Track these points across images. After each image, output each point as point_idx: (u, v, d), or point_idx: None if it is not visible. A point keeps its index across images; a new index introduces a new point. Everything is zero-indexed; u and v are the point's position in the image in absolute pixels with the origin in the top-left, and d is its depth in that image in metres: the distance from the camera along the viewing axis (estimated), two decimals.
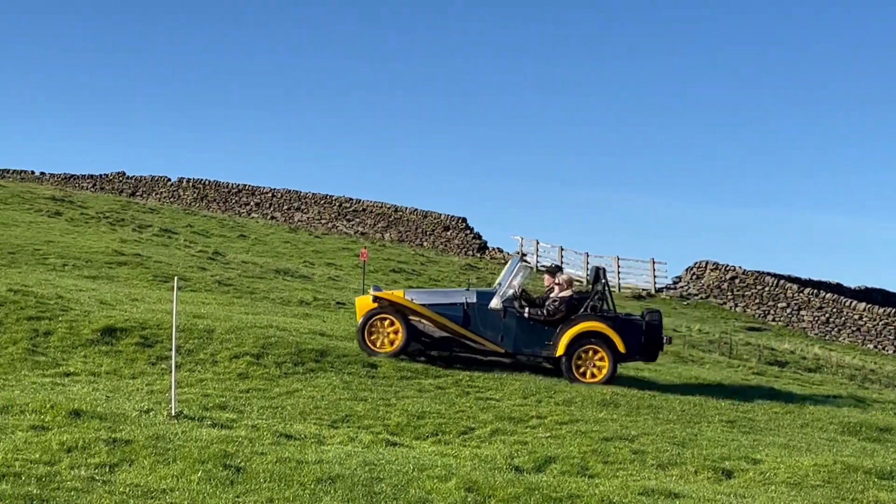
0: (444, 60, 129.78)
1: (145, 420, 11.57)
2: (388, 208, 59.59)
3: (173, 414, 12.07)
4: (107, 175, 63.94)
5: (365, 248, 27.95)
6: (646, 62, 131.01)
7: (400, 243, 57.01)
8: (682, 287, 51.29)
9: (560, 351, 18.27)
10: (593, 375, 18.18)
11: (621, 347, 18.20)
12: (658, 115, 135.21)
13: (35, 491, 8.43)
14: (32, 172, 65.07)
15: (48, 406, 11.03)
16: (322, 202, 60.38)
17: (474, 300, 18.84)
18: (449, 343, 18.93)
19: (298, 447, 11.10)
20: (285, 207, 60.85)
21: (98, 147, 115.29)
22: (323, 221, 59.52)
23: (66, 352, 16.17)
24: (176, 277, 15.98)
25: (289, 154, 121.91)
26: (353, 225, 59.25)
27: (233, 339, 17.43)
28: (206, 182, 62.38)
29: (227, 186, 62.07)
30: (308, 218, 59.80)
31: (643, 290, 49.64)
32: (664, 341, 18.93)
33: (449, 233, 57.91)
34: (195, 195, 61.87)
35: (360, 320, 18.59)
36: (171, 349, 16.10)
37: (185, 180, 62.86)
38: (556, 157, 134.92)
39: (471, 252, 56.55)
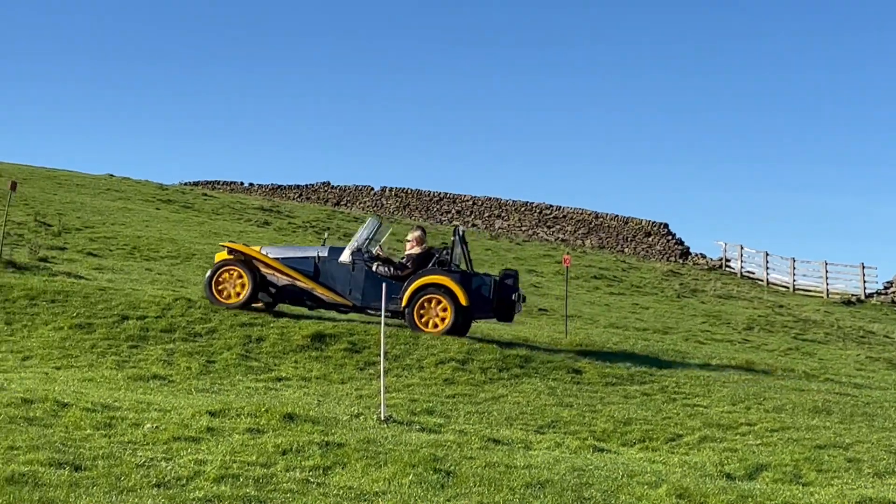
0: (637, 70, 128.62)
1: (356, 424, 11.76)
2: (589, 214, 59.31)
3: (383, 418, 12.24)
4: (312, 185, 65.46)
5: (567, 254, 27.80)
6: (868, 68, 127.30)
7: (601, 249, 56.68)
8: (893, 292, 49.50)
9: (404, 303, 18.68)
10: (436, 325, 18.58)
11: (463, 300, 18.50)
12: (866, 116, 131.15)
13: (252, 492, 8.65)
14: (242, 184, 67.12)
15: (263, 410, 11.31)
16: (522, 209, 60.52)
17: (325, 255, 19.41)
18: (298, 295, 19.31)
19: (506, 452, 11.12)
20: (486, 215, 61.20)
21: (303, 158, 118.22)
22: (523, 228, 59.63)
23: (277, 357, 16.57)
24: (384, 284, 16.23)
25: (488, 162, 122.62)
26: (553, 231, 59.18)
27: (438, 346, 17.59)
28: (408, 191, 63.24)
29: (429, 195, 62.79)
30: (508, 225, 60.00)
31: (853, 295, 48.06)
32: (516, 300, 19.02)
33: (650, 238, 57.29)
34: (397, 204, 62.78)
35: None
36: (378, 355, 16.37)
37: (387, 189, 63.86)
38: (761, 162, 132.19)
39: (673, 258, 55.81)
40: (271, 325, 17.76)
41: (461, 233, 19.64)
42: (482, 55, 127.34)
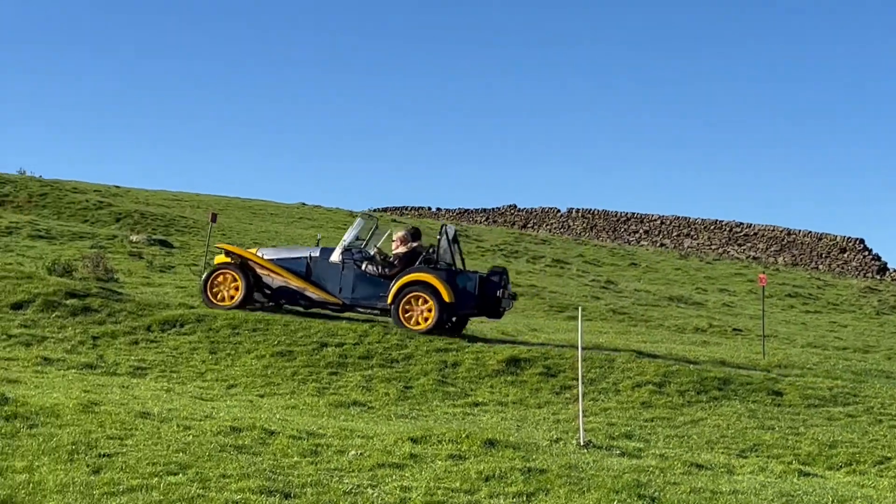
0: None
1: (556, 449, 11.74)
2: (781, 231, 58.06)
3: (582, 443, 12.19)
4: (499, 208, 65.77)
5: (762, 272, 27.29)
6: None
7: (794, 267, 55.41)
8: None
9: (389, 300, 19.07)
10: (418, 323, 18.92)
11: (446, 296, 18.77)
12: None
13: None
14: (429, 208, 67.86)
15: (464, 436, 11.38)
16: (711, 228, 59.62)
17: (317, 255, 19.92)
18: (292, 295, 19.85)
19: (710, 477, 10.94)
20: (674, 234, 60.49)
21: (490, 181, 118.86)
22: (713, 247, 58.71)
23: (473, 382, 16.67)
24: (580, 308, 16.20)
25: (675, 180, 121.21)
26: (744, 250, 58.10)
27: (634, 368, 17.44)
28: (595, 212, 62.96)
29: (616, 215, 62.40)
30: (698, 244, 59.16)
31: None
32: (502, 297, 19.20)
33: (846, 255, 55.75)
34: (584, 225, 62.56)
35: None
36: (573, 378, 16.32)
37: (574, 210, 63.71)
38: None
39: (869, 274, 54.16)
40: (466, 350, 17.88)
41: (448, 231, 19.69)
42: (684, 68, 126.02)
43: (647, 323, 29.05)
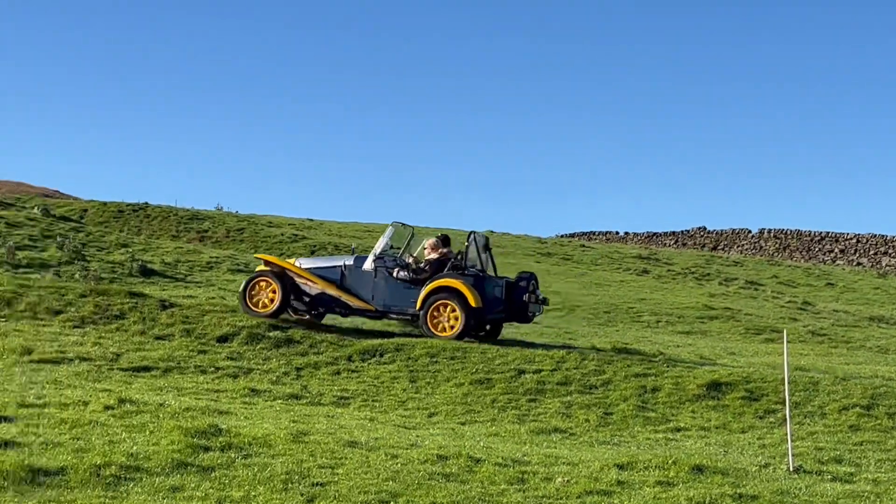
0: None
1: (766, 475, 11.51)
2: None
3: (792, 468, 11.92)
4: (688, 231, 64.99)
5: None
6: None
7: None
8: None
9: (418, 306, 19.48)
10: (444, 329, 19.35)
11: (472, 301, 19.11)
12: None
13: None
14: (617, 233, 67.47)
15: (671, 462, 11.26)
16: None
17: (351, 263, 20.39)
18: (329, 303, 20.34)
19: None
20: (871, 252, 58.77)
21: (678, 204, 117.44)
22: None
23: (673, 407, 16.47)
24: (785, 330, 15.86)
25: (869, 199, 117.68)
26: None
27: (839, 391, 16.97)
28: (788, 232, 61.65)
29: (809, 235, 60.97)
30: None
31: None
32: (530, 301, 19.58)
33: None
34: (777, 245, 61.31)
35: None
36: (777, 402, 15.98)
37: (766, 231, 62.51)
38: None
39: None
40: (665, 374, 17.69)
41: (477, 239, 20.08)
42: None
43: (847, 344, 28.28)
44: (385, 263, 20.05)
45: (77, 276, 26.29)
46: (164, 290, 26.45)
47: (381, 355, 18.44)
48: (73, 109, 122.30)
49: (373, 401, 16.20)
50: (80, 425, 10.92)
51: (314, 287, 20.30)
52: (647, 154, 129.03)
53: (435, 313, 19.43)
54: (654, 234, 65.93)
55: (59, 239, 32.31)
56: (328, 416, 14.37)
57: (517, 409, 16.00)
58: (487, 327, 20.27)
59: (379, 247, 20.35)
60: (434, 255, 20.01)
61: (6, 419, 10.87)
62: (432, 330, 19.40)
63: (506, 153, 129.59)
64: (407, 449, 11.58)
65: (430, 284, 19.44)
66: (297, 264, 20.71)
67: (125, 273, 29.12)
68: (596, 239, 65.69)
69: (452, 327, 19.32)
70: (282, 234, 43.68)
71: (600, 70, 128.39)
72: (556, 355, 18.43)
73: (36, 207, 40.22)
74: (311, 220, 53.88)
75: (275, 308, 19.97)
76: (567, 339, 23.47)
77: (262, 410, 14.22)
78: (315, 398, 16.06)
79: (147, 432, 10.96)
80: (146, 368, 16.72)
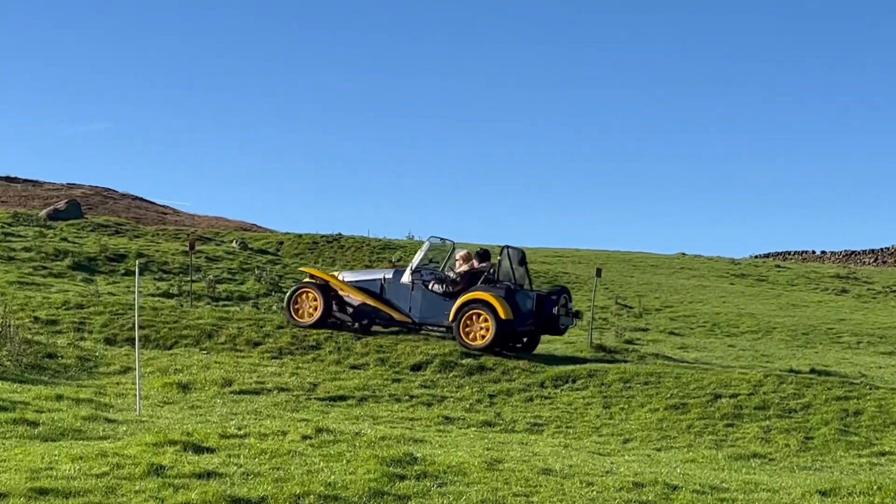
0: None
1: None
2: None
3: None
4: (888, 248, 62.89)
5: None
6: None
7: None
8: None
9: (451, 317, 19.93)
10: (475, 339, 19.72)
11: (503, 313, 19.47)
12: None
13: None
14: (813, 252, 65.78)
15: (875, 487, 10.87)
16: None
17: (390, 276, 21.06)
18: (370, 314, 21.04)
19: None
20: None
21: (878, 220, 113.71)
22: None
23: (877, 430, 15.93)
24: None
25: None
26: None
27: None
28: None
29: None
30: None
31: None
32: (560, 314, 19.97)
33: None
34: None
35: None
36: None
37: None
38: None
39: None
40: (868, 397, 17.14)
41: (510, 253, 20.52)
42: None
43: None
44: (422, 276, 20.70)
45: (274, 307, 26.95)
46: None
47: (574, 381, 18.36)
48: (268, 147, 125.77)
49: (566, 427, 16.12)
50: (279, 455, 11.14)
51: (355, 299, 21.08)
52: (843, 169, 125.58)
53: (468, 322, 19.90)
54: (853, 252, 64.00)
55: (256, 271, 33.22)
56: (522, 443, 14.35)
57: (714, 435, 15.71)
58: (525, 339, 20.83)
59: (416, 261, 21.04)
60: (465, 267, 20.52)
61: (208, 450, 11.17)
62: (465, 340, 19.85)
63: (697, 174, 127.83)
64: (602, 476, 11.46)
65: (463, 297, 19.99)
66: (339, 277, 21.46)
67: None
68: (791, 259, 64.16)
69: (483, 337, 19.75)
70: None
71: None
72: (754, 378, 18.04)
73: (234, 241, 41.45)
74: (497, 245, 54.07)
75: (316, 318, 20.78)
76: (764, 361, 22.96)
77: (457, 438, 14.30)
78: (508, 425, 16.07)
79: (344, 461, 11.12)
80: (342, 398, 17.01)
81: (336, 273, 22.01)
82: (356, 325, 21.27)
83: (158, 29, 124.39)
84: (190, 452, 10.90)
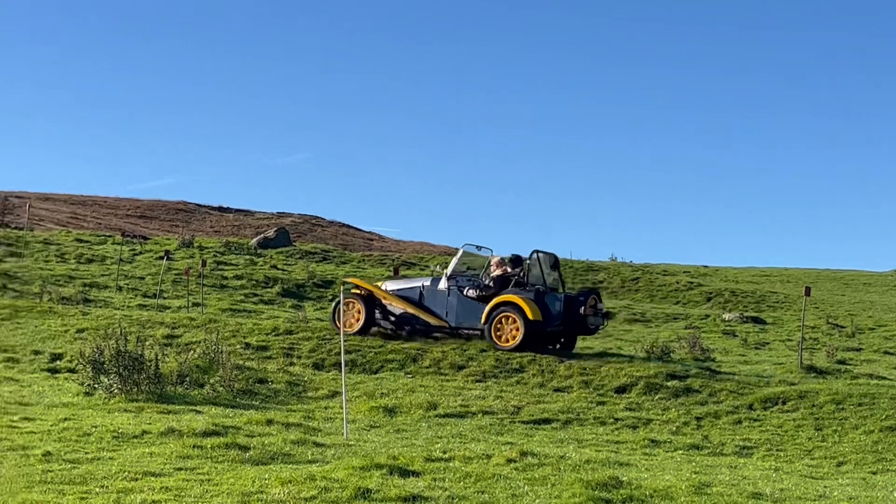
0: None
1: None
2: None
3: None
4: None
5: None
6: None
7: None
8: None
9: (483, 320, 20.76)
10: (507, 340, 20.52)
11: (530, 315, 20.28)
12: None
13: None
14: None
15: None
16: None
17: (428, 284, 21.86)
18: (410, 321, 21.79)
19: None
20: None
21: None
22: None
23: None
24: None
25: None
26: None
27: None
28: None
29: None
30: None
31: None
32: (587, 314, 20.68)
33: None
34: None
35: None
36: None
37: None
38: None
39: None
40: None
41: (541, 257, 21.31)
42: None
43: None
44: (457, 283, 21.54)
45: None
46: None
47: (784, 403, 17.88)
48: (471, 173, 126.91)
49: (777, 450, 15.71)
50: (484, 479, 11.15)
51: (397, 307, 21.89)
52: None
53: (498, 325, 20.69)
54: None
55: None
56: (731, 466, 14.03)
57: None
58: (562, 340, 21.65)
59: (451, 267, 21.94)
60: (498, 272, 21.29)
61: (414, 473, 11.27)
62: (496, 342, 20.66)
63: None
64: (815, 501, 11.12)
65: (494, 300, 20.81)
66: (383, 287, 22.29)
67: None
68: None
69: (514, 338, 20.52)
70: (677, 283, 43.38)
71: None
72: None
73: (438, 265, 41.87)
74: (706, 266, 53.21)
75: (359, 327, 21.72)
76: None
77: (663, 462, 14.07)
78: (716, 448, 15.75)
79: (549, 485, 11.06)
80: (546, 420, 16.95)
81: (380, 283, 22.86)
82: (399, 332, 22.00)
83: (353, 66, 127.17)
84: (396, 476, 11.02)
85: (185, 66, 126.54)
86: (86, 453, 11.93)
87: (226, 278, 34.36)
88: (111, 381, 16.35)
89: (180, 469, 11.27)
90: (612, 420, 17.20)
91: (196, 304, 28.79)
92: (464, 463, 11.96)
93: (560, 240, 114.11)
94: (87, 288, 29.86)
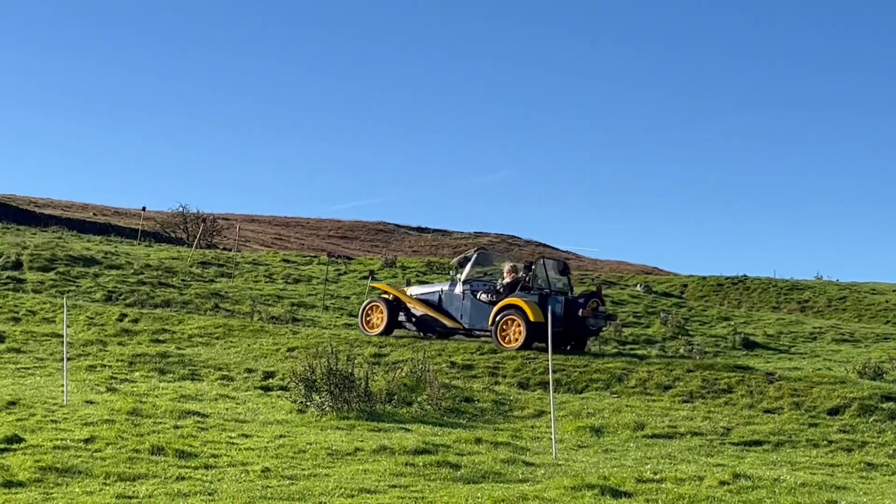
0: None
1: None
2: None
3: None
4: None
5: None
6: None
7: None
8: None
9: (490, 322, 22.11)
10: (510, 341, 21.78)
11: (532, 317, 21.38)
12: None
13: None
14: None
15: None
16: None
17: (447, 289, 23.29)
18: (430, 323, 23.37)
19: None
20: None
21: None
22: None
23: None
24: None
25: None
26: None
27: None
28: None
29: None
30: None
31: None
32: (586, 315, 21.90)
33: None
34: None
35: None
36: None
37: None
38: None
39: None
40: None
41: (546, 263, 22.91)
42: None
43: None
44: (472, 287, 22.95)
45: (682, 350, 26.76)
46: (768, 362, 26.29)
47: None
48: (665, 189, 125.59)
49: None
50: (696, 500, 11.02)
51: (419, 310, 23.43)
52: None
53: (504, 327, 21.90)
54: None
55: (661, 314, 33.13)
56: None
57: None
58: (572, 342, 22.74)
59: (465, 272, 23.23)
60: (508, 279, 22.63)
61: (625, 494, 11.21)
62: (501, 343, 21.88)
63: None
64: None
65: (499, 303, 22.11)
66: (408, 293, 23.77)
67: (728, 346, 29.28)
68: None
69: (517, 339, 21.68)
70: (886, 302, 42.00)
71: None
72: None
73: (637, 285, 41.55)
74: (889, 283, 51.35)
75: (382, 328, 23.40)
76: None
77: (882, 486, 13.64)
78: None
79: None
80: (757, 442, 16.61)
81: (406, 289, 24.17)
82: (421, 334, 23.66)
83: (550, 83, 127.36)
84: (608, 496, 10.99)
85: (380, 90, 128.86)
86: (302, 470, 12.25)
87: None
88: (323, 399, 16.74)
89: (394, 486, 11.47)
90: (825, 442, 16.74)
91: None
92: (676, 485, 11.85)
93: (762, 258, 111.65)
94: (294, 307, 30.62)
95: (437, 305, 23.36)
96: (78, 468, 11.79)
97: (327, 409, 16.60)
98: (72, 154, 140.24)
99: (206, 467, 12.19)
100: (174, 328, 24.36)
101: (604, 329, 23.52)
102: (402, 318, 23.77)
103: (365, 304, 24.28)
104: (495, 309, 22.13)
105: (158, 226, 57.17)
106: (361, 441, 14.10)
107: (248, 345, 22.82)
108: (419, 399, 17.87)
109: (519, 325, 21.74)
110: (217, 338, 23.48)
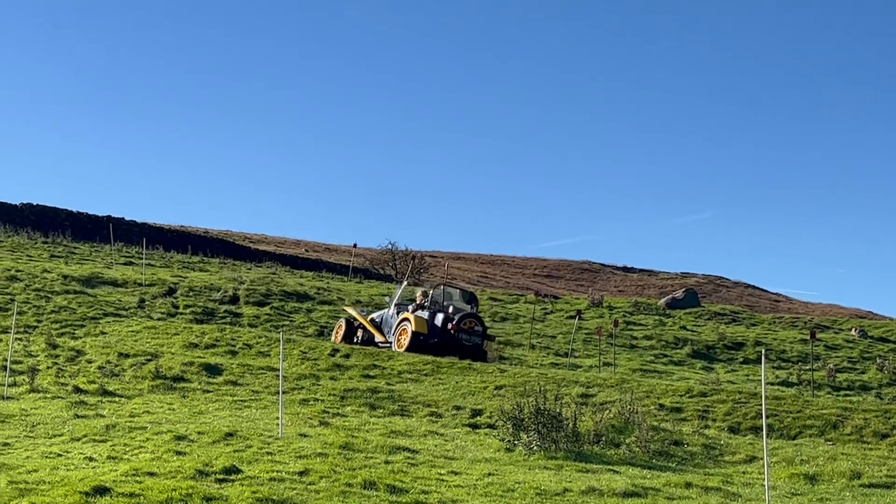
0: None
1: None
2: None
3: None
4: None
5: None
6: None
7: None
8: None
9: (392, 332, 28.05)
10: (401, 346, 27.33)
11: (415, 328, 27.23)
12: None
13: None
14: None
15: None
16: None
17: (387, 312, 28.74)
18: (371, 337, 28.50)
19: None
20: None
21: None
22: None
23: None
24: None
25: None
26: None
27: None
28: None
29: None
30: None
31: None
32: (454, 330, 27.11)
33: None
34: None
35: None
36: None
37: None
38: None
39: None
40: None
41: (444, 288, 28.81)
42: None
43: None
44: (398, 309, 28.38)
45: None
46: None
47: None
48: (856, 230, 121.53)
49: None
50: None
51: (367, 328, 28.74)
52: None
53: (399, 335, 27.56)
54: None
55: (878, 360, 32.03)
56: None
57: None
58: (470, 353, 26.88)
59: (395, 297, 29.17)
60: (418, 301, 28.34)
61: None
62: (396, 346, 27.33)
63: None
64: None
65: (400, 317, 27.95)
66: (367, 317, 29.07)
67: None
68: None
69: (405, 344, 27.17)
70: None
71: None
72: None
73: (852, 329, 40.30)
74: None
75: (340, 339, 28.90)
76: None
77: None
78: None
79: None
80: None
81: (364, 315, 29.47)
82: (369, 343, 28.33)
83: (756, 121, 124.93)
84: None
85: (584, 129, 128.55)
86: None
87: (635, 338, 34.50)
88: (531, 438, 16.76)
89: None
90: None
91: (607, 364, 29.07)
92: None
93: None
94: (501, 346, 30.79)
95: (377, 324, 28.79)
96: (293, 500, 12.09)
97: (535, 448, 16.61)
98: (283, 192, 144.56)
99: (417, 503, 12.35)
100: (384, 364, 24.79)
101: (481, 346, 27.45)
102: (360, 333, 29.11)
103: (338, 323, 30.15)
104: (397, 321, 28.02)
105: (368, 262, 58.33)
106: (570, 482, 14.06)
107: (456, 382, 23.03)
108: (627, 441, 17.71)
109: (406, 333, 27.42)
110: (425, 374, 23.78)
